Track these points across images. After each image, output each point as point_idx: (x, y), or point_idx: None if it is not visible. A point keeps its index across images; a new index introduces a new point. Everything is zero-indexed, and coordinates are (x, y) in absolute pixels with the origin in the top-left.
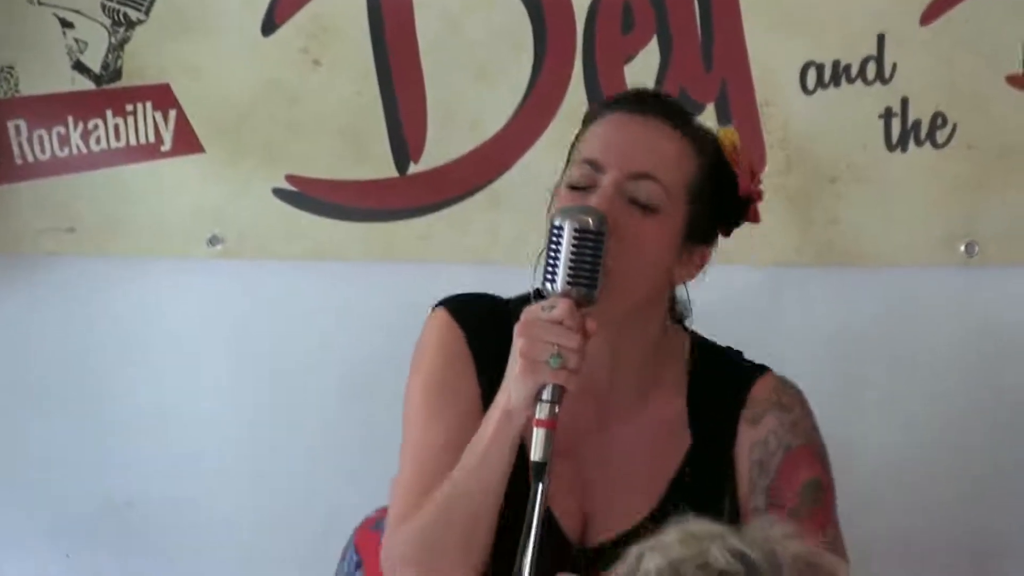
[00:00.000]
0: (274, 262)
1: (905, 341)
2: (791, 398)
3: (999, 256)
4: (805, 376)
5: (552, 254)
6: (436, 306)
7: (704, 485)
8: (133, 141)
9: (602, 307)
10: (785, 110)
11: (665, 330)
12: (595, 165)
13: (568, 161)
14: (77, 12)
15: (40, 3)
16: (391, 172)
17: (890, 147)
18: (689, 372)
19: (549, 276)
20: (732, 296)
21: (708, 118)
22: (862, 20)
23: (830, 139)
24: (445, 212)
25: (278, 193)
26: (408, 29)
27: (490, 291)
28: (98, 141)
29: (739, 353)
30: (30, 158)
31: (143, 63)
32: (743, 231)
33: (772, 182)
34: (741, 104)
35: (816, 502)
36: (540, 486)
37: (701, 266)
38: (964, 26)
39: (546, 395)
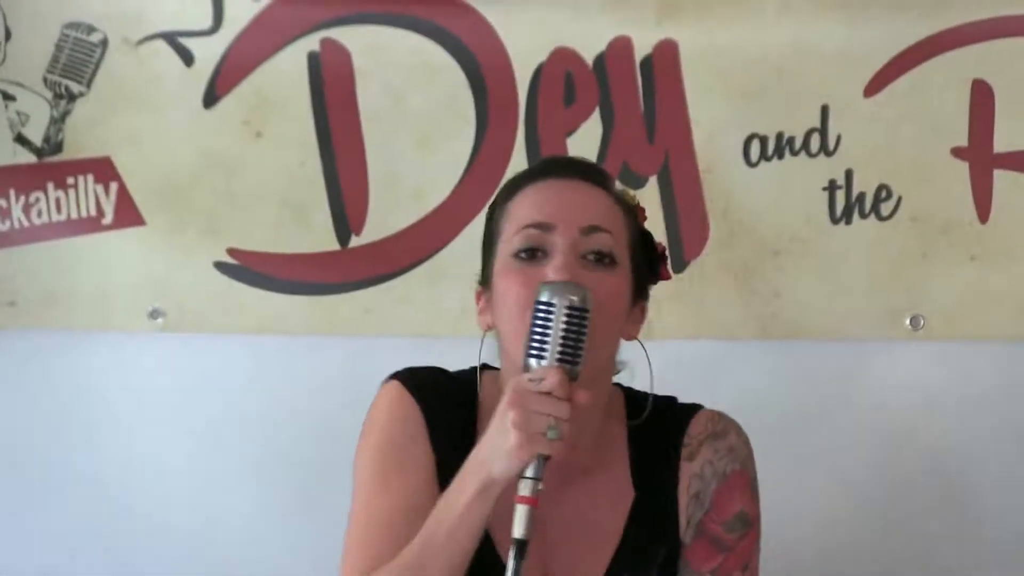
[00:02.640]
0: (215, 336)
1: (850, 414)
2: (726, 424)
3: (945, 330)
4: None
5: (539, 330)
6: (388, 379)
7: (651, 535)
8: (74, 214)
9: (583, 380)
10: (728, 182)
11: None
12: (542, 227)
13: (490, 245)
14: (19, 85)
15: None
16: (333, 245)
17: (834, 219)
18: (628, 426)
19: (536, 352)
20: (673, 369)
21: (651, 190)
22: (806, 92)
23: (774, 211)
24: (387, 285)
25: (219, 266)
26: (350, 100)
27: (434, 364)
28: (39, 214)
29: (672, 398)
30: None
31: (85, 136)
32: (689, 304)
33: (715, 255)
34: (684, 176)
35: (742, 537)
36: (519, 565)
37: (643, 321)
38: (908, 98)
39: (530, 472)
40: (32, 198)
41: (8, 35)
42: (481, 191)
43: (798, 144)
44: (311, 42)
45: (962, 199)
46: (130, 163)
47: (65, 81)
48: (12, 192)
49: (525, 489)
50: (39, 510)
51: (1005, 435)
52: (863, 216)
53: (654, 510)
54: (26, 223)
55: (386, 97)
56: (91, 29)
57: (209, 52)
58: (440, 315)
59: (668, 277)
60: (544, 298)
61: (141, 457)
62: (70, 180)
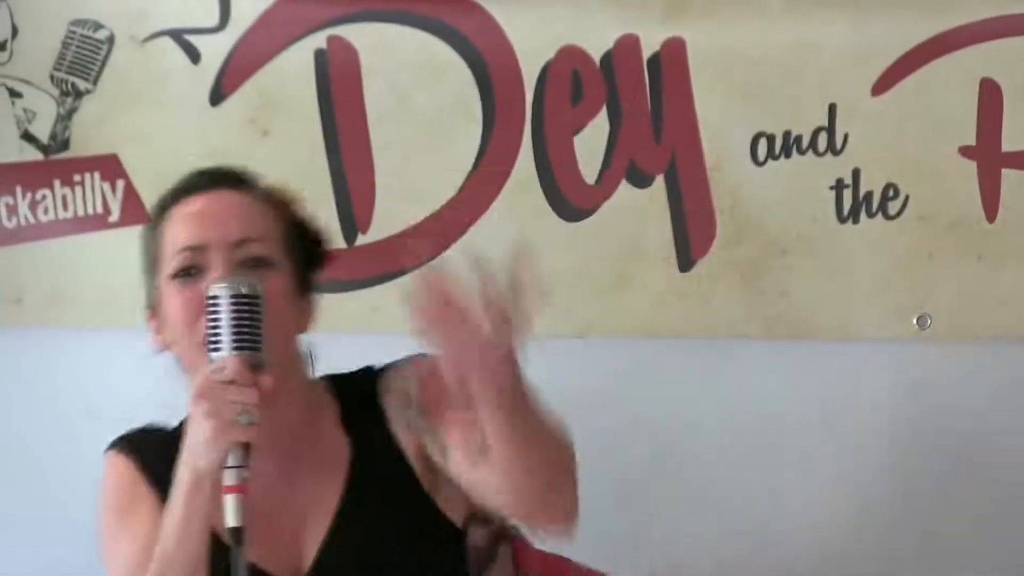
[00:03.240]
0: None
1: (856, 414)
2: (405, 358)
3: (952, 329)
4: (754, 449)
5: (212, 323)
6: (105, 451)
7: (375, 479)
8: (81, 212)
9: (267, 366)
10: (735, 181)
11: (308, 382)
12: (194, 249)
13: (151, 269)
14: (26, 82)
15: None
16: (339, 243)
17: (841, 218)
18: (337, 399)
19: (214, 345)
20: (680, 368)
21: (658, 189)
22: (813, 91)
23: (781, 210)
24: (395, 283)
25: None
26: (357, 98)
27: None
28: (46, 211)
29: (369, 367)
30: None
31: (91, 133)
32: (695, 302)
33: (722, 254)
34: (691, 175)
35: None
36: (239, 551)
37: (313, 314)
38: (915, 97)
39: (231, 460)
40: (39, 195)
41: (15, 32)
42: (488, 189)
43: (805, 143)
44: (318, 40)
45: (970, 198)
46: (137, 161)
47: (72, 78)
48: (19, 189)
49: (230, 478)
50: (44, 508)
51: (1013, 434)
52: (870, 215)
53: (372, 452)
54: (32, 220)
55: (393, 95)
56: (98, 26)
57: (216, 49)
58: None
59: (331, 259)
60: (211, 293)
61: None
62: (76, 177)
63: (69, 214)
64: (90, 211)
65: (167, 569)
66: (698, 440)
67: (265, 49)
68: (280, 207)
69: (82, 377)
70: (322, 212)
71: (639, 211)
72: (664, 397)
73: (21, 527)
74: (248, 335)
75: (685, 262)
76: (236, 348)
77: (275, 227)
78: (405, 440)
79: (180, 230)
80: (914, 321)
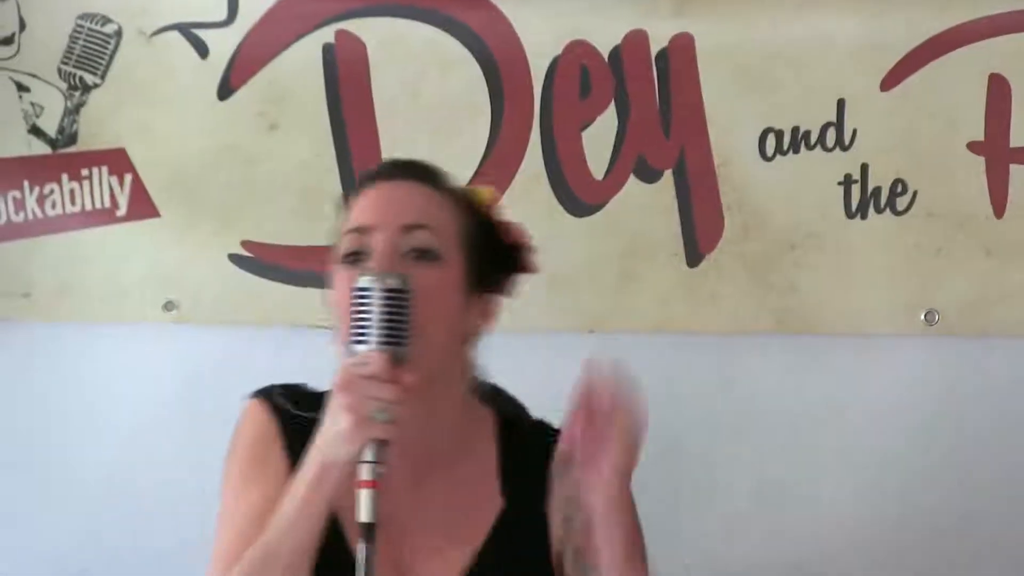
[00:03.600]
0: (229, 328)
1: (864, 409)
2: None
3: (960, 325)
4: (763, 444)
5: (360, 316)
6: (249, 397)
7: (519, 546)
8: (88, 206)
9: (410, 368)
10: (744, 177)
11: (469, 399)
12: (362, 230)
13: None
14: (33, 76)
15: None
16: None
17: (849, 214)
18: (497, 439)
19: (358, 338)
20: (687, 363)
21: (666, 184)
22: (822, 86)
23: (789, 206)
24: None
25: (233, 259)
26: (365, 93)
27: None
28: (53, 206)
29: (545, 423)
30: None
31: (99, 127)
32: (703, 298)
33: (730, 249)
34: (699, 171)
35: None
36: (367, 547)
37: (492, 315)
38: (925, 92)
39: (368, 455)
40: (46, 189)
41: (23, 26)
42: (496, 184)
43: (814, 138)
44: (326, 34)
45: (978, 194)
46: (144, 155)
47: (79, 72)
48: (26, 183)
49: (365, 473)
50: (51, 502)
51: (1021, 430)
52: (879, 211)
53: (522, 522)
54: (40, 214)
55: (401, 90)
56: (105, 20)
57: (224, 44)
58: None
59: (532, 270)
60: (360, 284)
61: (155, 449)
62: (84, 172)
63: (77, 208)
64: (98, 205)
65: (275, 549)
66: (706, 435)
67: (273, 43)
68: (466, 203)
69: (90, 371)
70: (330, 206)
71: (647, 206)
72: (672, 392)
73: (27, 521)
74: (394, 330)
75: (693, 257)
76: (380, 343)
77: (452, 219)
78: (555, 528)
79: (356, 212)
80: (922, 317)
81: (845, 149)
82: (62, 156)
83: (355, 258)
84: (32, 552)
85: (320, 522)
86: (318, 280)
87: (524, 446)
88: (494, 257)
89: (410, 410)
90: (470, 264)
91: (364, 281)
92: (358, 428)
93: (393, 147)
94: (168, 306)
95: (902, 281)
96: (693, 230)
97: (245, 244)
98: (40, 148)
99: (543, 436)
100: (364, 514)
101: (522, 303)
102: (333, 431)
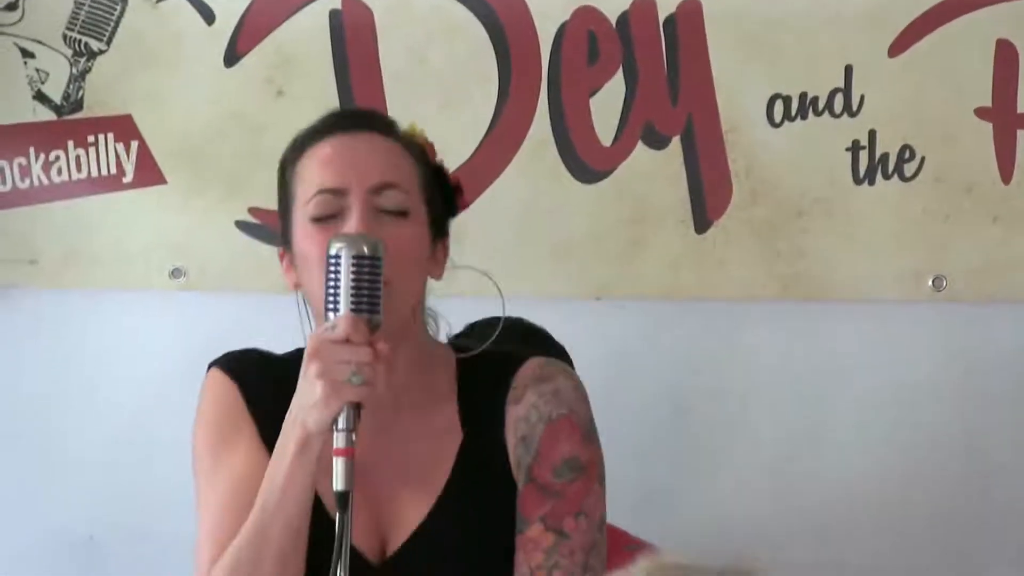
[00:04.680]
0: (236, 295)
1: (872, 376)
2: (552, 369)
3: (968, 291)
4: (770, 410)
5: (332, 283)
6: (209, 367)
7: (480, 475)
8: (95, 172)
9: (386, 324)
10: (751, 143)
11: (426, 337)
12: (334, 192)
13: (285, 207)
14: (39, 42)
15: (1, 33)
16: None
17: (857, 180)
18: (458, 377)
19: (331, 305)
20: (694, 330)
21: (674, 150)
22: (829, 52)
23: (797, 172)
24: None
25: (240, 226)
26: (372, 59)
27: (454, 323)
28: (59, 172)
29: (508, 352)
30: None
31: (105, 94)
32: (711, 264)
33: (738, 215)
34: (707, 137)
35: (571, 482)
36: (345, 517)
37: (445, 259)
38: (933, 58)
39: (342, 423)
40: (52, 156)
41: None
42: (504, 151)
43: (821, 104)
44: (333, 0)
45: (986, 160)
46: (151, 121)
47: (85, 38)
48: (32, 150)
49: (340, 441)
50: (57, 469)
51: None
52: (886, 177)
53: (481, 451)
54: (46, 181)
55: (408, 56)
56: None
57: (230, 10)
58: (460, 276)
59: (465, 206)
60: (332, 251)
61: (161, 416)
62: (90, 138)
63: (83, 175)
64: (104, 172)
65: (267, 524)
66: (714, 401)
67: (280, 9)
68: (418, 153)
69: (96, 338)
70: None
71: (655, 173)
72: (680, 358)
73: (34, 488)
74: (367, 297)
75: (701, 224)
76: (353, 309)
77: (414, 173)
78: (513, 462)
79: (318, 171)
80: (930, 283)
81: (853, 115)
82: (68, 123)
83: (327, 221)
84: (39, 519)
85: (307, 496)
86: None
87: (483, 375)
88: (445, 202)
89: (385, 372)
90: (431, 214)
91: (335, 248)
92: (334, 393)
93: (400, 113)
94: (175, 273)
95: (910, 247)
96: (701, 196)
97: (252, 211)
98: (45, 115)
99: (503, 362)
100: (340, 482)
101: (530, 269)
102: (309, 400)
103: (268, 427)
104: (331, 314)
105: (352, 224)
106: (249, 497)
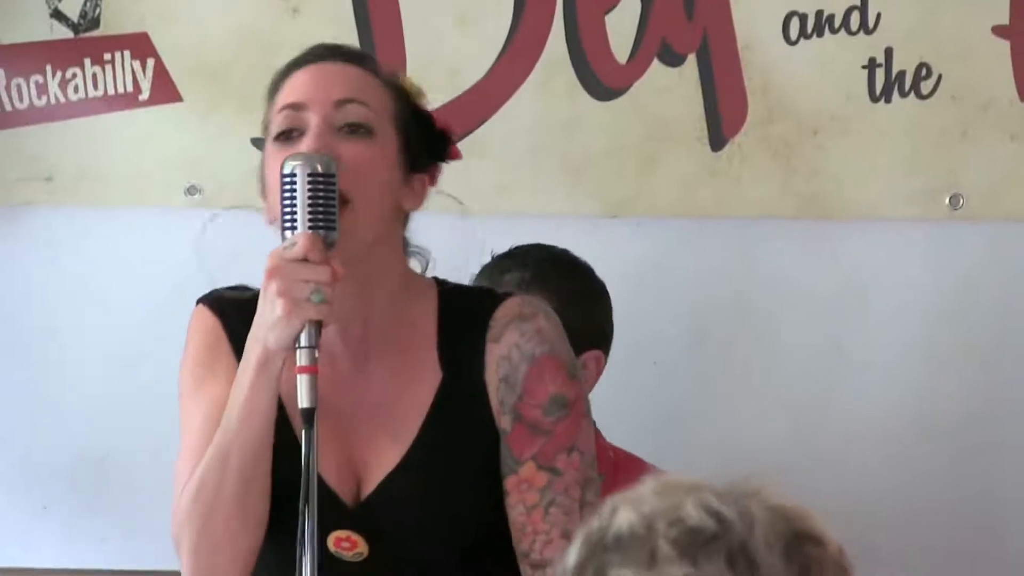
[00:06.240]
0: (252, 212)
1: (887, 294)
2: (532, 308)
3: (984, 209)
4: (786, 329)
5: (288, 202)
6: (196, 303)
7: (458, 417)
8: (111, 90)
9: (344, 244)
10: (767, 60)
11: (408, 274)
12: (296, 107)
13: (262, 138)
14: None
15: None
16: None
17: (873, 98)
18: (438, 313)
19: (288, 224)
20: (710, 248)
21: (690, 68)
22: None
23: (813, 90)
24: None
25: (257, 143)
26: None
27: (467, 241)
28: (76, 90)
29: (489, 290)
30: (7, 107)
31: (121, 12)
32: (726, 182)
33: (753, 133)
34: (723, 54)
35: (559, 419)
36: (311, 433)
37: (423, 194)
38: None
39: (304, 340)
40: (69, 74)
41: None
42: (518, 69)
43: (838, 22)
44: None
45: (1003, 78)
46: (167, 39)
47: None
48: (49, 68)
49: (303, 358)
50: (71, 387)
51: None
52: (903, 95)
53: (460, 391)
54: (63, 99)
55: None
56: None
57: None
58: (475, 193)
59: (456, 156)
60: (287, 170)
61: (176, 332)
62: (107, 56)
63: (99, 93)
64: (120, 90)
65: (228, 443)
66: (730, 319)
67: None
68: (396, 88)
69: (111, 255)
70: None
71: (671, 90)
72: (695, 277)
73: (47, 406)
74: (322, 214)
75: (717, 141)
76: (310, 227)
77: (384, 98)
78: (495, 403)
79: (286, 92)
80: (946, 201)
81: (869, 33)
82: (84, 40)
83: (287, 136)
84: (53, 437)
85: (268, 416)
86: None
87: (463, 314)
88: (425, 140)
89: (345, 288)
90: (402, 142)
91: (290, 166)
92: (293, 311)
93: (416, 32)
94: (191, 190)
95: (926, 165)
96: (717, 114)
97: None
98: (62, 32)
99: (482, 301)
100: (305, 399)
101: (545, 187)
102: (268, 318)
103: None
104: (288, 232)
105: (308, 140)
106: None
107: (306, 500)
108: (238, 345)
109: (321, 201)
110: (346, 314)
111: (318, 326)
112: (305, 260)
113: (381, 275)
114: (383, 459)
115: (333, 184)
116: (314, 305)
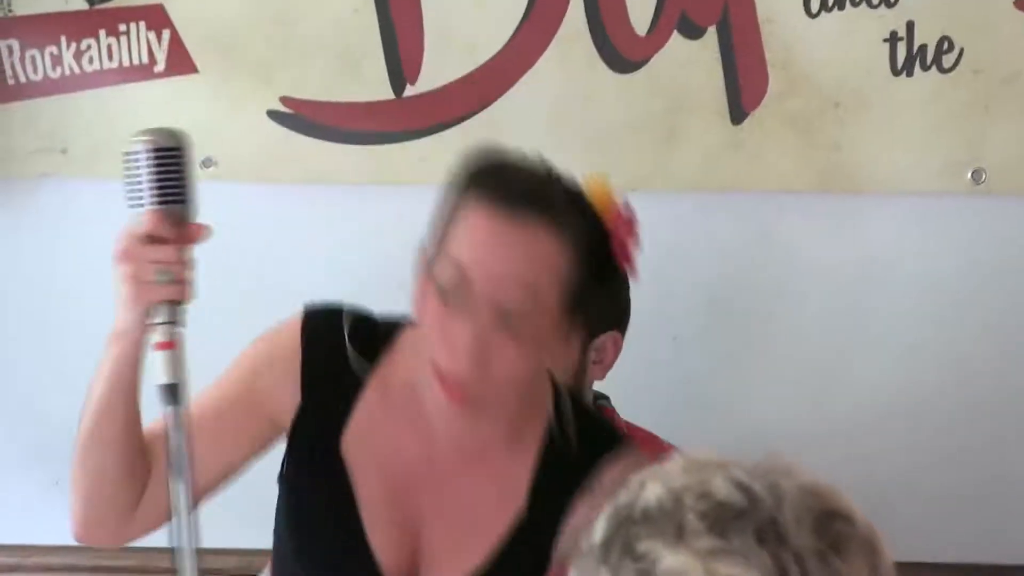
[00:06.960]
0: (268, 185)
1: (909, 269)
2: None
3: (1006, 183)
4: (806, 303)
5: (133, 180)
6: (304, 310)
7: (530, 553)
8: (126, 61)
9: (476, 400)
10: (788, 33)
11: (539, 386)
12: (463, 272)
13: (439, 226)
14: None
15: None
16: (387, 94)
17: (895, 72)
18: (544, 431)
19: (136, 202)
20: (731, 221)
21: (710, 40)
22: None
23: (834, 63)
24: (441, 135)
25: (272, 115)
26: None
27: None
28: (91, 61)
29: (606, 425)
30: (22, 78)
31: None
32: (746, 156)
33: (774, 106)
34: (743, 27)
35: None
36: (176, 409)
37: (603, 360)
38: None
39: (159, 318)
40: (84, 45)
41: None
42: (536, 43)
43: None
44: None
45: None
46: (182, 10)
47: None
48: (64, 39)
49: (159, 335)
50: (85, 361)
51: None
52: (924, 68)
53: (543, 529)
54: (77, 70)
55: None
56: None
57: None
58: None
59: (633, 274)
60: (131, 148)
61: (191, 304)
62: (122, 27)
63: (114, 64)
64: (135, 61)
65: (91, 418)
66: (749, 294)
67: None
68: (579, 234)
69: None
70: (370, 63)
71: (691, 63)
72: (715, 250)
73: (59, 379)
74: (168, 189)
75: (737, 114)
76: (159, 202)
77: (563, 276)
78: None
79: (467, 245)
80: (968, 175)
81: (890, 6)
82: (99, 11)
83: (446, 297)
84: (68, 410)
85: (128, 394)
86: (359, 137)
87: (569, 446)
88: (597, 305)
89: (458, 421)
90: (563, 315)
91: (131, 145)
92: (139, 293)
93: (433, 5)
94: (206, 162)
95: (948, 139)
96: (737, 87)
97: (284, 100)
98: (77, 3)
99: (593, 442)
100: (164, 375)
101: (564, 160)
102: (119, 300)
103: (311, 397)
104: (135, 212)
105: (466, 331)
106: (218, 413)
107: (179, 473)
108: (308, 371)
109: (166, 175)
110: (455, 423)
111: (174, 304)
112: (150, 239)
113: (495, 416)
114: (444, 563)
115: (180, 157)
116: (160, 286)
